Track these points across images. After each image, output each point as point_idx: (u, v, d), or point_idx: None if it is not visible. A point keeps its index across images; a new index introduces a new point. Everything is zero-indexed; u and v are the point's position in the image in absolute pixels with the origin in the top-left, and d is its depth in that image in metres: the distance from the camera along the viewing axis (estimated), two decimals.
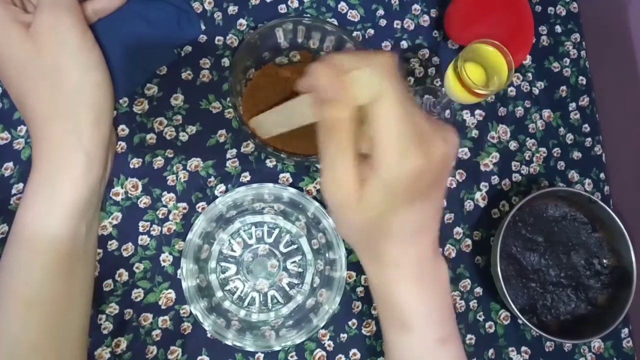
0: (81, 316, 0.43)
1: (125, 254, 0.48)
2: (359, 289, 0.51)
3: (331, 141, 0.30)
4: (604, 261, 0.54)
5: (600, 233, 0.54)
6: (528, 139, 0.58)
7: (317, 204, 0.49)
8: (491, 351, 0.53)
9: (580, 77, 0.60)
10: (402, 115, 0.28)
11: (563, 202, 0.54)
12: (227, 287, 0.49)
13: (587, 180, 0.58)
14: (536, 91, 0.59)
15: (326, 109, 0.29)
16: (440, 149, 0.30)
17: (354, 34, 0.56)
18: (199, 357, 0.48)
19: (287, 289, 0.50)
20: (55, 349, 0.40)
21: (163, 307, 0.48)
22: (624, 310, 0.50)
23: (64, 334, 0.41)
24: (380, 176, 0.29)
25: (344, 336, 0.50)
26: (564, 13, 0.62)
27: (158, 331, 0.47)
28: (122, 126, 0.50)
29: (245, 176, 0.51)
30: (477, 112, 0.57)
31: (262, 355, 0.48)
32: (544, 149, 0.58)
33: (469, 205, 0.55)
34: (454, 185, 0.55)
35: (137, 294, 0.48)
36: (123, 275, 0.48)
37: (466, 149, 0.56)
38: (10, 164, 0.48)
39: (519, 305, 0.52)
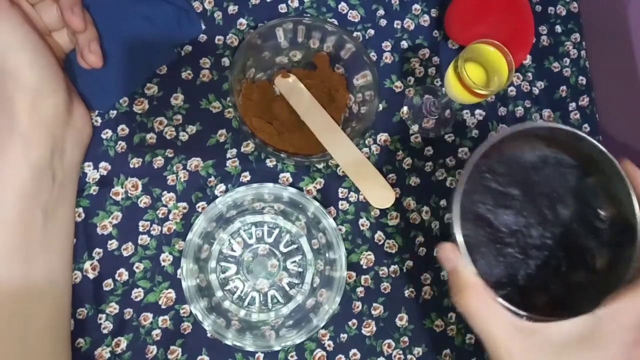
0: (47, 308, 0.42)
1: (125, 253, 0.48)
2: (359, 289, 0.51)
3: None
4: (601, 212, 0.41)
5: (594, 177, 0.41)
6: None
7: (317, 204, 0.49)
8: None
9: (580, 77, 0.60)
10: None
11: (541, 143, 0.42)
12: (227, 287, 0.49)
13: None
14: (536, 91, 0.59)
15: None
16: None
17: (354, 34, 0.56)
18: (199, 357, 0.48)
19: (287, 288, 0.50)
20: (18, 338, 0.39)
21: (163, 306, 0.48)
22: (627, 273, 0.37)
23: (26, 323, 0.40)
24: None
25: (344, 336, 0.50)
26: (564, 13, 0.62)
27: (158, 331, 0.47)
28: (122, 126, 0.50)
29: (245, 176, 0.51)
30: (477, 112, 0.57)
31: (262, 355, 0.48)
32: None
33: None
34: (454, 186, 0.55)
35: (137, 294, 0.48)
36: (123, 275, 0.48)
37: (466, 149, 0.56)
38: None
39: (494, 278, 0.40)
